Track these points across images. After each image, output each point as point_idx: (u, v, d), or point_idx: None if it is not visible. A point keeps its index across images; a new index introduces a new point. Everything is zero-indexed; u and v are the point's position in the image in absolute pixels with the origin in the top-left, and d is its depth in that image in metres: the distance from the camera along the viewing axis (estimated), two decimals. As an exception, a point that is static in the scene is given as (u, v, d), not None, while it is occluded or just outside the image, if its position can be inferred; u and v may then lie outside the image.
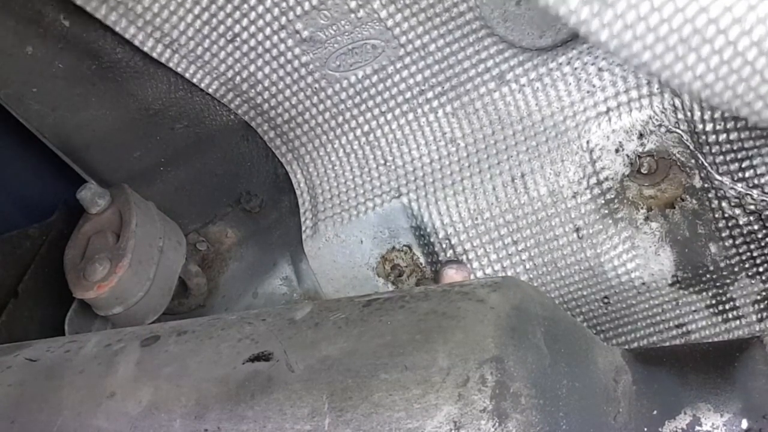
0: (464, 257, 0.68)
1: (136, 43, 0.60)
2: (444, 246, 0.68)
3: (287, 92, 0.66)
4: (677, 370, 0.41)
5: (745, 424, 0.38)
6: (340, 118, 0.68)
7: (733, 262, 0.64)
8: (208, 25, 0.61)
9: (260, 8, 0.60)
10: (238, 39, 0.62)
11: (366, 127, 0.68)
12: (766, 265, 0.64)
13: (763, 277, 0.65)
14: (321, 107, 0.67)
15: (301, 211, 0.73)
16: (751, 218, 0.62)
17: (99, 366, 0.46)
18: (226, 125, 0.70)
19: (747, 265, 0.65)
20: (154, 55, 0.62)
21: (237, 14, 0.60)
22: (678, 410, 0.39)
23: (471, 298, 0.41)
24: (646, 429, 0.40)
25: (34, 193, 0.69)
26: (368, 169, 0.70)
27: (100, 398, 0.44)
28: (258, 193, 0.75)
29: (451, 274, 0.66)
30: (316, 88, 0.65)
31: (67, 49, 0.60)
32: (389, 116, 0.67)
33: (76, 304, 0.63)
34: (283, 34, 0.61)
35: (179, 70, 0.63)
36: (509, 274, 0.69)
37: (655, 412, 0.40)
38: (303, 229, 0.73)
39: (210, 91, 0.66)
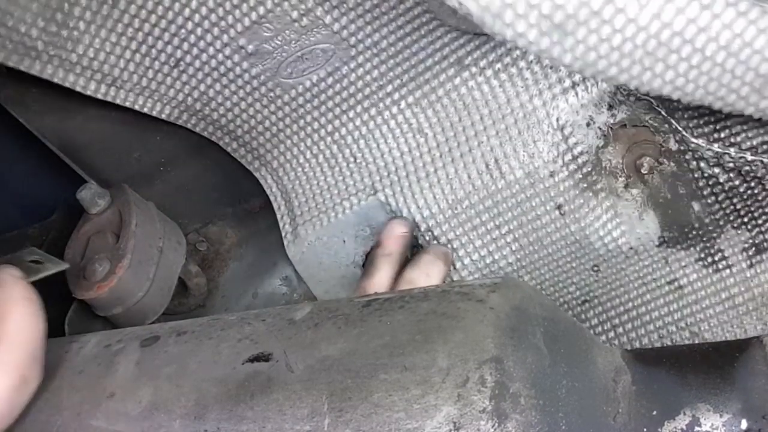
0: (449, 246, 0.68)
1: (78, 89, 0.59)
2: (428, 238, 0.68)
3: (242, 104, 0.65)
4: (677, 370, 0.41)
5: (744, 424, 0.38)
6: (302, 122, 0.67)
7: (717, 216, 0.65)
8: (148, 57, 0.59)
9: (198, 31, 0.58)
10: (182, 63, 0.60)
11: (329, 127, 0.67)
12: (750, 215, 0.64)
13: (749, 226, 0.65)
14: (280, 114, 0.66)
15: (278, 216, 0.72)
16: (731, 175, 0.62)
17: (99, 366, 0.46)
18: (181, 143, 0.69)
19: (732, 218, 0.65)
20: (99, 96, 0.60)
21: (176, 40, 0.59)
22: (677, 410, 0.39)
23: (471, 298, 0.42)
24: (645, 429, 0.40)
25: (34, 193, 0.69)
26: (339, 168, 0.69)
27: (100, 398, 0.44)
28: (258, 193, 0.75)
29: (394, 228, 0.65)
30: (271, 96, 0.64)
31: (67, 49, 0.60)
32: (351, 114, 0.66)
33: (76, 304, 0.63)
34: (227, 51, 0.60)
35: (127, 104, 0.62)
36: (496, 257, 0.69)
37: (654, 412, 0.40)
38: (283, 234, 0.72)
39: (163, 116, 0.64)
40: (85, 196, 0.64)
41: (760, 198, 0.63)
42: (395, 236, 0.66)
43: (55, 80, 0.57)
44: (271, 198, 0.72)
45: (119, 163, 0.67)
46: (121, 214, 0.64)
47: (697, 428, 0.39)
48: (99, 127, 0.65)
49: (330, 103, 0.66)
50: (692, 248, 0.67)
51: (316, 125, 0.67)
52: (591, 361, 0.42)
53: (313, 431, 0.37)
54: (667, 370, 0.41)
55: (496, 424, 0.35)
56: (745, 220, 0.65)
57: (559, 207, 0.65)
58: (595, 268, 0.68)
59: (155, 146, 0.68)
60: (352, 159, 0.68)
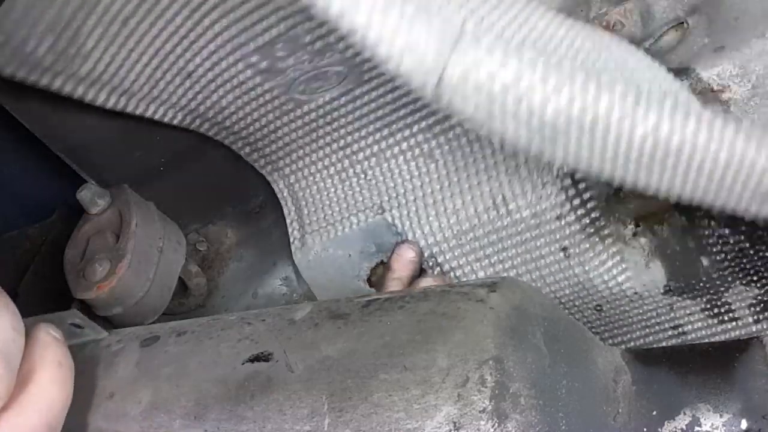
0: (452, 275, 0.68)
1: (87, 100, 0.58)
2: (431, 264, 0.68)
3: (255, 115, 0.64)
4: (677, 371, 0.41)
5: (744, 424, 0.38)
6: (314, 135, 0.67)
7: (725, 273, 0.64)
8: (159, 69, 0.59)
9: (211, 46, 0.58)
10: (194, 75, 0.60)
11: (341, 142, 0.67)
12: (759, 275, 0.64)
13: (758, 285, 0.64)
14: (293, 126, 0.66)
15: (288, 221, 0.72)
16: (742, 237, 0.61)
17: (99, 366, 0.46)
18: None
19: (741, 275, 0.64)
20: (108, 106, 0.60)
21: (188, 54, 0.58)
22: (677, 410, 0.39)
23: (471, 298, 0.42)
24: (645, 429, 0.40)
25: (34, 193, 0.69)
26: (349, 183, 0.69)
27: (100, 399, 0.44)
28: (258, 193, 0.75)
29: (403, 253, 0.66)
30: (284, 109, 0.64)
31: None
32: (363, 132, 0.66)
33: (76, 304, 0.63)
34: (240, 66, 0.59)
35: (138, 112, 0.61)
36: None
37: (654, 412, 0.40)
38: (291, 240, 0.72)
39: (175, 122, 0.64)
40: (85, 196, 0.64)
41: None
42: (405, 261, 0.66)
43: (64, 93, 0.57)
44: (282, 202, 0.72)
45: (119, 163, 0.67)
46: (121, 214, 0.64)
47: (697, 428, 0.39)
48: (99, 127, 0.64)
49: (342, 121, 0.65)
50: (698, 299, 0.66)
51: (328, 139, 0.67)
52: (591, 361, 0.42)
53: (313, 431, 0.37)
54: (667, 370, 0.41)
55: (496, 424, 0.35)
56: (755, 278, 0.64)
57: (564, 249, 0.64)
58: (598, 308, 0.67)
59: (155, 146, 0.68)
60: (362, 174, 0.68)
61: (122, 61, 0.57)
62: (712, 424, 0.39)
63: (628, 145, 0.39)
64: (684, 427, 0.39)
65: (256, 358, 0.42)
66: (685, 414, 0.39)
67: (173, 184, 0.71)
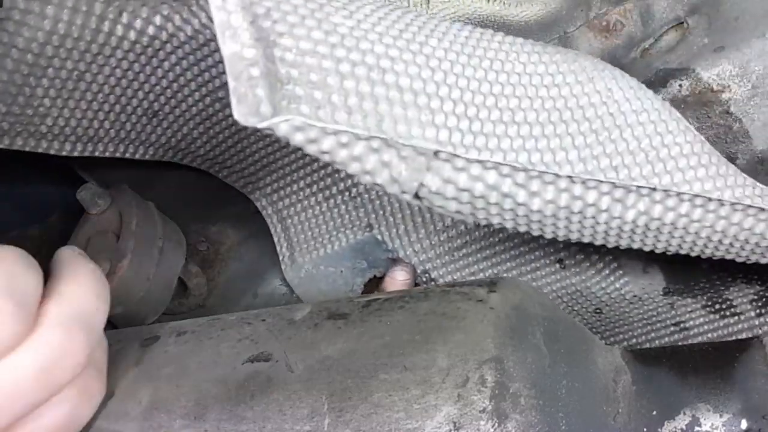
0: None
1: (52, 152, 0.58)
2: (425, 279, 0.67)
3: (229, 141, 0.64)
4: (677, 370, 0.41)
5: (744, 424, 0.38)
6: (293, 156, 0.66)
7: (725, 273, 0.64)
8: (123, 113, 0.58)
9: (174, 86, 0.58)
10: (160, 113, 0.60)
11: (322, 161, 0.66)
12: (760, 272, 0.63)
13: (759, 281, 0.64)
14: (270, 149, 0.65)
15: (275, 239, 0.71)
16: None
17: (99, 366, 0.46)
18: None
19: (741, 274, 0.64)
20: (76, 153, 0.59)
21: (151, 96, 0.58)
22: (677, 410, 0.39)
23: (471, 298, 0.42)
24: (645, 429, 0.40)
25: (34, 193, 0.69)
26: (334, 200, 0.67)
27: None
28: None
29: (397, 276, 0.65)
30: (259, 134, 0.63)
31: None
32: None
33: (76, 304, 0.63)
34: (207, 101, 0.59)
35: (107, 154, 0.61)
36: None
37: (654, 412, 0.40)
38: (281, 258, 0.71)
39: (147, 157, 0.64)
40: (85, 196, 0.64)
41: None
42: (399, 285, 0.66)
43: (27, 149, 0.56)
44: (267, 220, 0.71)
45: (119, 163, 0.67)
46: (121, 214, 0.64)
47: (697, 428, 0.39)
48: (99, 128, 0.64)
49: None
50: (699, 297, 0.66)
51: (307, 158, 0.66)
52: (591, 361, 0.42)
53: (313, 431, 0.37)
54: (667, 370, 0.41)
55: (496, 424, 0.35)
56: (755, 276, 0.64)
57: (560, 261, 0.64)
58: (598, 311, 0.67)
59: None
60: (346, 192, 0.67)
61: (83, 113, 0.56)
62: (712, 424, 0.39)
63: (621, 223, 0.41)
64: (684, 427, 0.39)
65: (256, 358, 0.42)
66: (685, 414, 0.39)
67: (173, 184, 0.71)
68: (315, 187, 0.68)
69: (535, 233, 0.41)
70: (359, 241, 0.67)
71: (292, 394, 0.39)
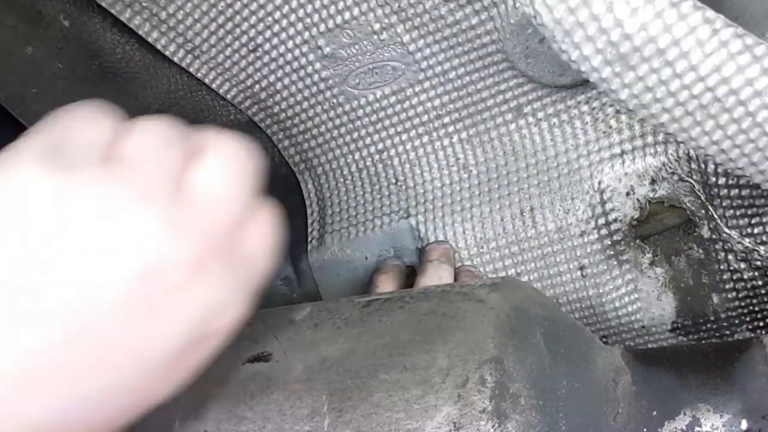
0: None
1: (158, 47, 0.61)
2: None
3: (305, 104, 0.66)
4: (677, 371, 0.41)
5: (744, 424, 0.38)
6: (356, 134, 0.68)
7: (734, 314, 0.64)
8: (231, 35, 0.61)
9: (284, 22, 0.60)
10: (260, 50, 0.62)
11: (380, 146, 0.68)
12: (767, 320, 0.64)
13: (764, 332, 0.65)
14: (337, 122, 0.67)
15: (309, 221, 0.73)
16: (756, 273, 0.62)
17: (99, 366, 0.46)
18: (226, 126, 0.70)
19: (748, 319, 0.64)
20: (176, 59, 0.62)
21: (261, 26, 0.60)
22: (677, 411, 0.39)
23: (471, 298, 0.42)
24: (645, 429, 0.40)
25: (34, 193, 0.69)
26: (379, 187, 0.69)
27: (100, 399, 0.44)
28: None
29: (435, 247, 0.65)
30: (333, 102, 0.65)
31: (67, 49, 0.60)
32: (404, 137, 0.67)
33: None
34: (305, 49, 0.61)
35: (199, 75, 0.64)
36: None
37: (654, 412, 0.40)
38: (309, 239, 0.73)
39: (228, 97, 0.66)
40: (85, 196, 0.64)
41: None
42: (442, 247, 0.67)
43: (140, 33, 0.59)
44: (307, 202, 0.73)
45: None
46: (122, 214, 0.64)
47: (697, 428, 0.39)
48: (99, 127, 0.64)
49: (387, 122, 0.66)
50: (703, 342, 0.66)
51: (368, 140, 0.68)
52: (591, 361, 0.42)
53: (313, 431, 0.37)
54: (667, 370, 0.41)
55: (496, 425, 0.35)
56: (761, 324, 0.64)
57: (582, 268, 0.65)
58: (604, 339, 0.68)
59: (155, 146, 0.68)
60: (394, 181, 0.69)
61: (201, 15, 0.59)
62: (712, 425, 0.39)
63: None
64: (684, 428, 0.39)
65: (256, 358, 0.42)
66: (685, 414, 0.39)
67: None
68: (365, 173, 0.69)
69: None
70: (393, 228, 0.69)
71: (292, 394, 0.39)
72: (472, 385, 0.36)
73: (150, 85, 0.65)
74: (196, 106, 0.68)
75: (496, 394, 0.36)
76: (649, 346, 0.68)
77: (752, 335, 0.65)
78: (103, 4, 0.57)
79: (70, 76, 0.61)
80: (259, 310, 0.48)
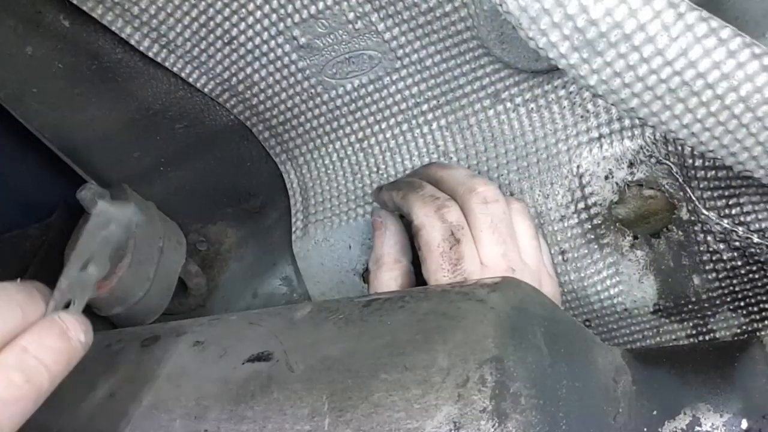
0: None
1: (132, 42, 0.61)
2: None
3: (283, 95, 0.66)
4: (677, 370, 0.41)
5: (744, 424, 0.38)
6: (335, 124, 0.68)
7: (715, 294, 0.65)
8: (205, 28, 0.61)
9: (258, 13, 0.60)
10: (235, 42, 0.62)
11: (360, 134, 0.68)
12: (747, 300, 0.64)
13: (744, 312, 0.65)
14: (316, 111, 0.67)
15: (293, 212, 0.73)
16: (735, 254, 0.62)
17: (99, 366, 0.46)
18: (226, 126, 0.70)
19: (729, 299, 0.65)
20: (150, 54, 0.62)
21: (234, 18, 0.60)
22: (678, 410, 0.39)
23: (471, 298, 0.42)
24: (645, 429, 0.40)
25: (34, 193, 0.69)
26: (360, 176, 0.70)
27: (100, 399, 0.44)
28: (258, 193, 0.75)
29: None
30: (311, 93, 0.66)
31: (67, 49, 0.60)
32: (383, 125, 0.67)
33: (76, 304, 0.63)
34: (280, 40, 0.62)
35: (175, 69, 0.64)
36: None
37: (654, 412, 0.40)
38: (293, 230, 0.73)
39: (206, 90, 0.66)
40: (85, 196, 0.64)
41: (759, 284, 0.63)
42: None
43: (113, 29, 0.59)
44: (290, 192, 0.73)
45: (119, 163, 0.67)
46: (121, 214, 0.64)
47: (697, 428, 0.39)
48: (99, 127, 0.65)
49: (366, 111, 0.67)
50: (685, 323, 0.67)
51: (348, 130, 0.68)
52: (591, 361, 0.42)
53: (313, 431, 0.37)
54: (667, 370, 0.41)
55: (497, 424, 0.35)
56: (741, 304, 0.65)
57: (563, 252, 0.65)
58: (587, 323, 0.68)
59: (155, 146, 0.68)
60: (375, 169, 0.69)
61: (173, 9, 0.59)
62: (713, 424, 0.39)
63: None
64: (684, 427, 0.39)
65: (256, 358, 0.42)
66: (685, 414, 0.39)
67: (173, 184, 0.71)
68: (346, 162, 0.70)
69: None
70: None
71: (292, 394, 0.39)
72: (472, 385, 0.36)
73: (150, 85, 0.65)
74: (196, 106, 0.68)
75: (497, 393, 0.36)
76: (632, 328, 0.68)
77: (733, 315, 0.65)
78: (74, 1, 0.57)
79: (70, 76, 0.61)
80: (259, 310, 0.49)
